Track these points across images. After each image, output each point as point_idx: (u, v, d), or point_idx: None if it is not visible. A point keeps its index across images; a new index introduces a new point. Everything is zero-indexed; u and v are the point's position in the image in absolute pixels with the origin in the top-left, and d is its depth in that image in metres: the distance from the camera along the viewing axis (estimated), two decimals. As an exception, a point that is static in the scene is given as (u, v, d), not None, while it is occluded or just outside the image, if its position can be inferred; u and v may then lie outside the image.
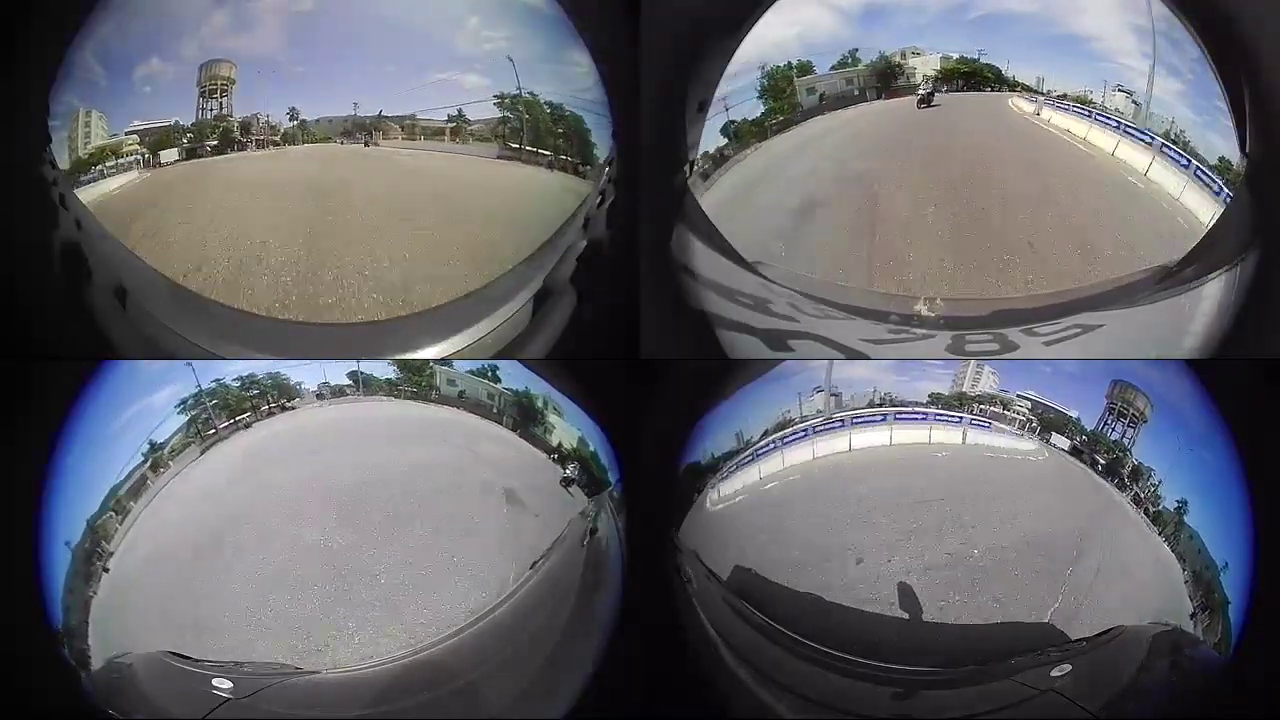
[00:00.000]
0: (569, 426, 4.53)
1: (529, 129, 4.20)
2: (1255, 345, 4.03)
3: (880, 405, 4.46)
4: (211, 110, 4.24)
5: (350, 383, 4.87)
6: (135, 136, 4.21)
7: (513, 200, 4.64)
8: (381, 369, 4.79)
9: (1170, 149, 4.03)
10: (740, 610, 4.11)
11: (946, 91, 2.93)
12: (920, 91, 2.83)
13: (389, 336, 4.40)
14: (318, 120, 4.33)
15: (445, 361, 4.56)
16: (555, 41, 4.40)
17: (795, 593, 4.06)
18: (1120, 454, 4.17)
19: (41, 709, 3.95)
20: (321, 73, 4.27)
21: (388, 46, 4.29)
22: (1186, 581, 3.93)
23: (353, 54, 4.28)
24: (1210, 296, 4.06)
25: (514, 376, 4.71)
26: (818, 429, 4.42)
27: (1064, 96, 3.36)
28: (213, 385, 4.62)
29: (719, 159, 2.80)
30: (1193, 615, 3.87)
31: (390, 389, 4.83)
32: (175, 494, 4.47)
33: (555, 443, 4.53)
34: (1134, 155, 4.13)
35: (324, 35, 4.24)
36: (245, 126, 4.29)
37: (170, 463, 4.50)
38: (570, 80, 4.41)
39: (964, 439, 4.43)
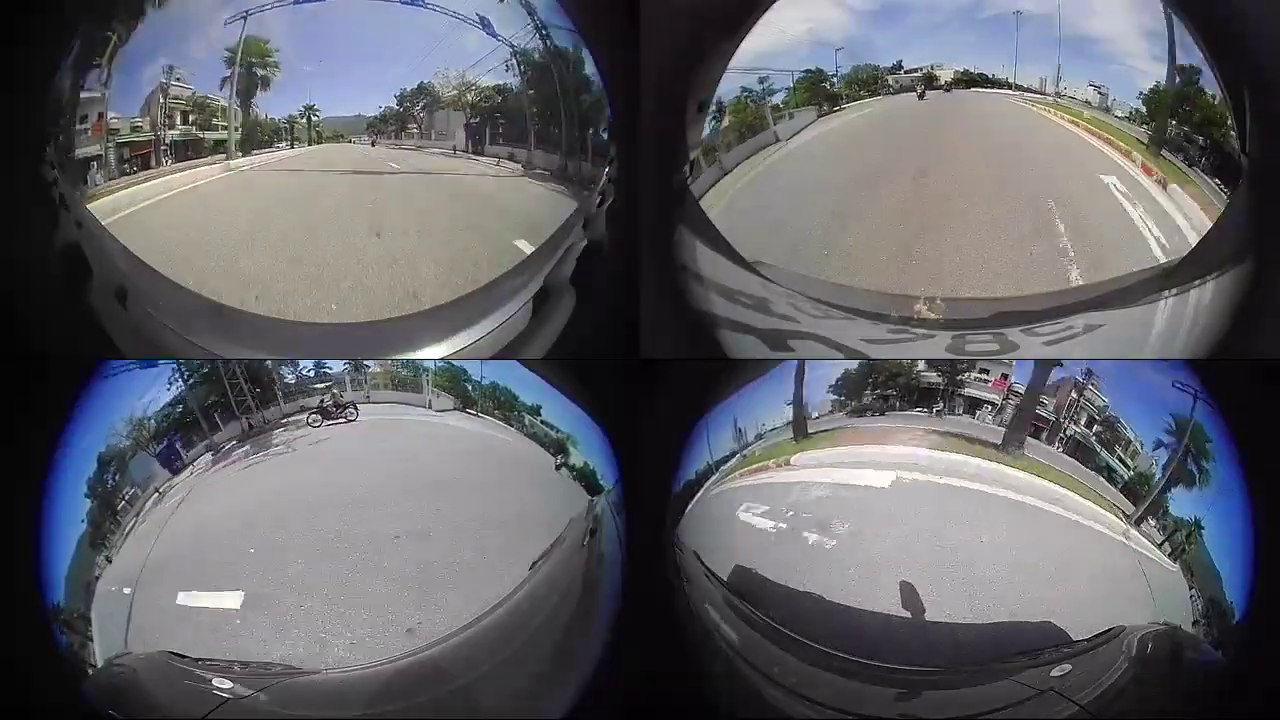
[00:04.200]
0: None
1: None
2: (1255, 345, 4.03)
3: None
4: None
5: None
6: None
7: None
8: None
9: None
10: (740, 610, 4.11)
11: (947, 90, 4.18)
12: (917, 90, 4.18)
13: (389, 336, 4.41)
14: (320, 119, 4.36)
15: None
16: (560, 40, 4.43)
17: (795, 592, 4.06)
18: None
19: (41, 709, 3.95)
20: (330, 72, 4.29)
21: (395, 45, 4.31)
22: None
23: (360, 53, 4.30)
24: (1211, 296, 4.06)
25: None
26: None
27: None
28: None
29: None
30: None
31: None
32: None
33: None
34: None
35: (332, 34, 4.25)
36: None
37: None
38: (573, 77, 4.44)
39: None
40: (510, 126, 4.59)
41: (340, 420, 4.98)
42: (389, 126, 4.45)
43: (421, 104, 4.43)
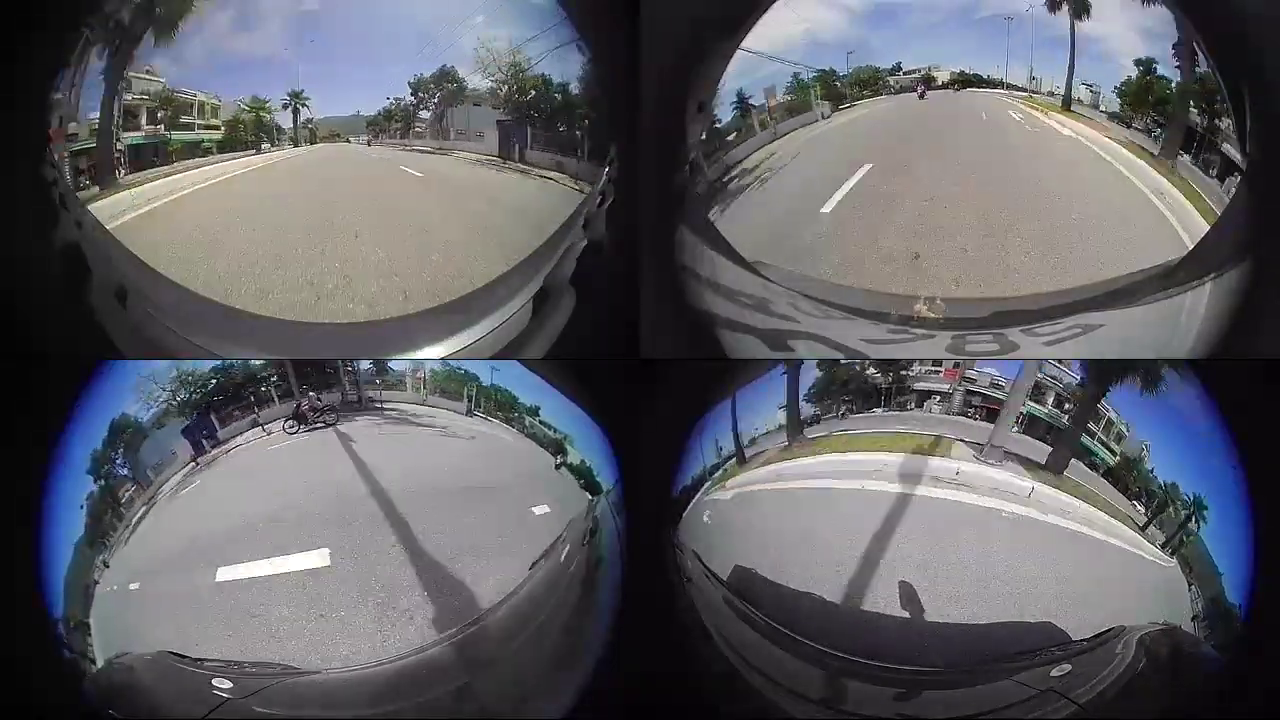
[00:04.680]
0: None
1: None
2: (1255, 345, 4.03)
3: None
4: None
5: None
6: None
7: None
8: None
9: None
10: (740, 610, 4.11)
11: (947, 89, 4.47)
12: (917, 90, 4.45)
13: (389, 336, 4.41)
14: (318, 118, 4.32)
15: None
16: (557, 40, 4.42)
17: (795, 592, 4.06)
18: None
19: (41, 709, 3.95)
20: (327, 72, 4.27)
21: (393, 45, 4.29)
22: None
23: (358, 53, 4.28)
24: (1210, 296, 4.06)
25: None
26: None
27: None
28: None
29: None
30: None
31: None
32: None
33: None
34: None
35: (330, 34, 4.24)
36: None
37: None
38: (571, 79, 4.43)
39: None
40: (550, 128, 4.12)
41: (319, 426, 4.78)
42: (394, 124, 4.05)
43: (440, 95, 3.86)
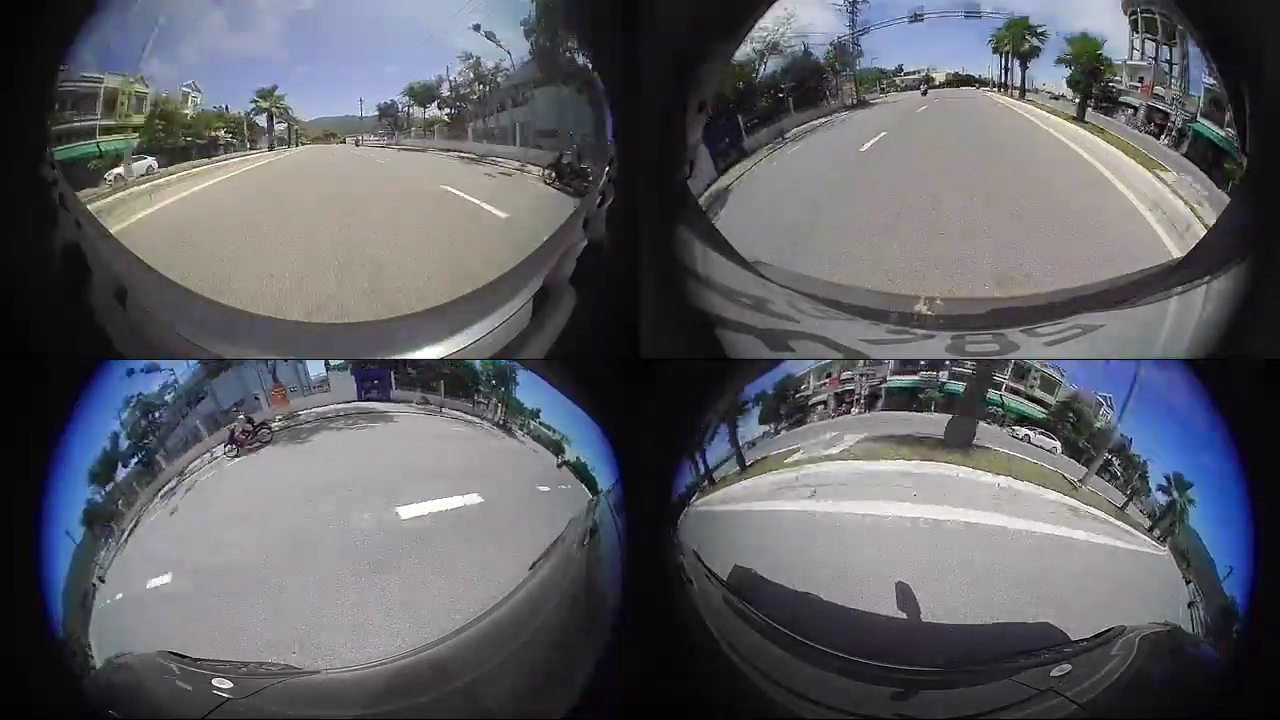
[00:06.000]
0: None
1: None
2: (1255, 345, 4.03)
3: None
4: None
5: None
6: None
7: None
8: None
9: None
10: (740, 610, 4.11)
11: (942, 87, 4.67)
12: (921, 88, 4.58)
13: (389, 336, 4.41)
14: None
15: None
16: (555, 40, 4.42)
17: (795, 592, 4.06)
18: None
19: (41, 709, 3.95)
20: (322, 73, 4.26)
21: (388, 46, 4.29)
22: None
23: (353, 53, 4.28)
24: (1210, 296, 4.06)
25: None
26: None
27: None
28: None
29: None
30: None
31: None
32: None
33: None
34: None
35: (325, 35, 4.23)
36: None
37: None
38: (570, 78, 4.43)
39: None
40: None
41: (256, 445, 4.70)
42: (417, 117, 3.63)
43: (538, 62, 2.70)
